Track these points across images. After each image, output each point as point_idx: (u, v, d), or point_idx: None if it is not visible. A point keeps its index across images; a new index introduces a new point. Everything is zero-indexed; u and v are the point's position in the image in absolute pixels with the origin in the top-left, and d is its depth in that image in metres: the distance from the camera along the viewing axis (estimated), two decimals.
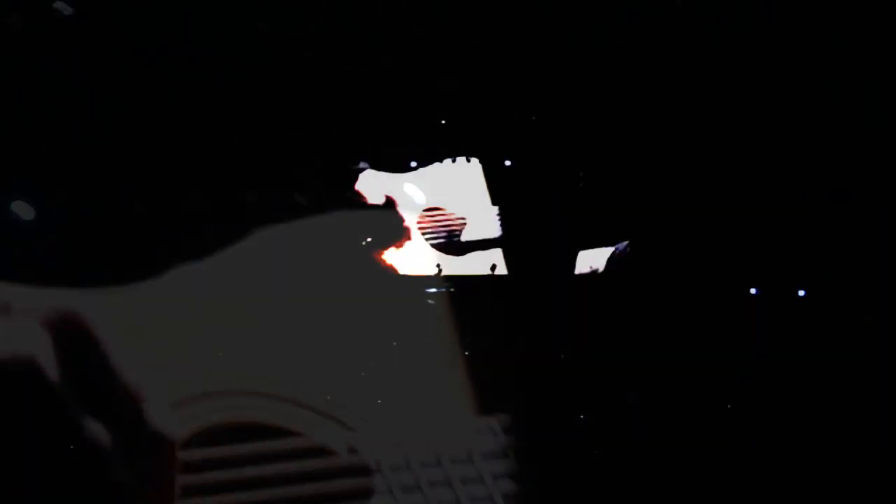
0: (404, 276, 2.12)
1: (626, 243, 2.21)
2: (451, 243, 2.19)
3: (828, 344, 2.08)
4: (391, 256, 2.15)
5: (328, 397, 1.57)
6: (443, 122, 2.21)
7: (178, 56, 2.37)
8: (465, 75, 2.23)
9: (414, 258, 2.16)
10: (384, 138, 2.22)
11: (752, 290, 2.11)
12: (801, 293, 2.11)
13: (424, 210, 2.21)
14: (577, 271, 2.18)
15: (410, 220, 2.20)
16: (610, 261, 2.19)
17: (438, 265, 2.13)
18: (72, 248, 2.20)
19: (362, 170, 2.16)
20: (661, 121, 2.26)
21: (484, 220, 2.20)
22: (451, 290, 2.08)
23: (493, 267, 2.16)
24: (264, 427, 1.46)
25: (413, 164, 2.23)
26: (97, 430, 1.15)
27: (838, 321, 2.12)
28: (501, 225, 2.18)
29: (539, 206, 2.19)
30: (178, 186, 2.29)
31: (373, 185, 2.18)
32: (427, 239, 2.19)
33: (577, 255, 2.18)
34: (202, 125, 2.30)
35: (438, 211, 2.21)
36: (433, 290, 2.08)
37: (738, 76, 2.27)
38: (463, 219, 2.21)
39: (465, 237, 2.20)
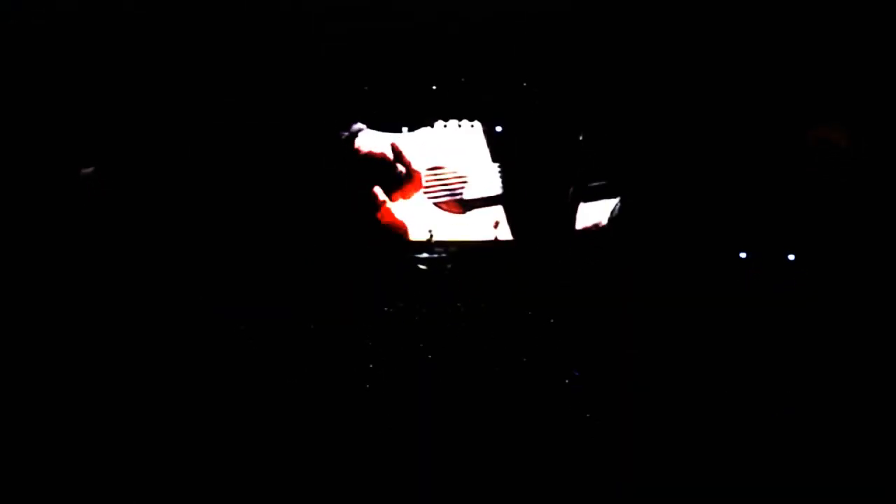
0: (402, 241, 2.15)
1: (617, 201, 2.18)
2: (454, 200, 2.20)
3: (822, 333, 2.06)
4: (393, 216, 2.17)
5: None
6: (434, 87, 2.22)
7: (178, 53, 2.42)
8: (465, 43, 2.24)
9: (413, 220, 2.18)
10: (386, 101, 2.24)
11: (742, 254, 2.09)
12: (791, 257, 2.08)
13: (427, 169, 2.22)
14: (578, 226, 2.17)
15: (413, 178, 2.21)
16: (614, 214, 2.18)
17: (430, 231, 2.14)
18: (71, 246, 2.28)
19: (357, 132, 2.18)
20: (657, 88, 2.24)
21: (485, 177, 2.20)
22: (443, 255, 2.10)
23: (497, 224, 2.15)
24: None
25: (411, 126, 2.24)
26: None
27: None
28: (502, 182, 2.17)
29: (539, 164, 2.18)
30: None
31: (377, 144, 2.20)
32: (430, 197, 2.19)
33: (577, 210, 2.17)
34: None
35: (440, 169, 2.21)
36: (425, 255, 2.10)
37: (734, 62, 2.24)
38: (464, 177, 2.20)
39: (466, 194, 2.19)
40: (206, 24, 2.33)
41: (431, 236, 2.11)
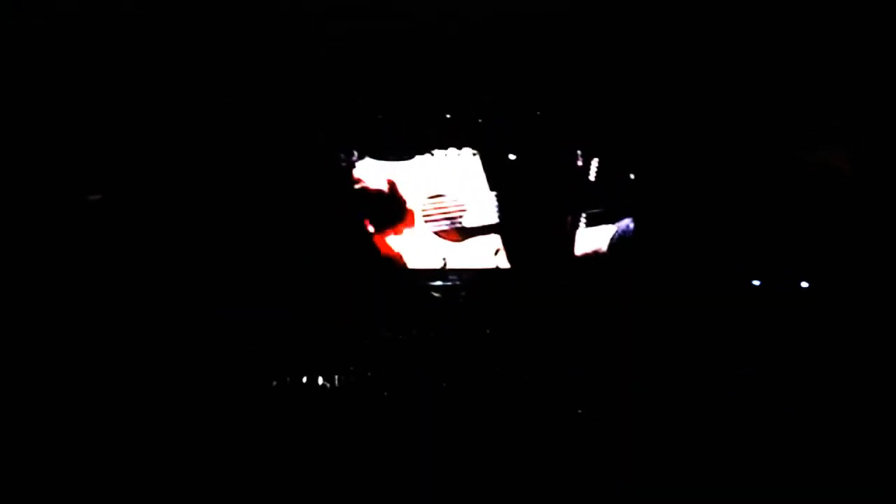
0: (410, 269, 2.21)
1: (629, 221, 2.24)
2: (453, 228, 2.25)
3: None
4: (396, 245, 2.23)
5: None
6: (447, 115, 2.24)
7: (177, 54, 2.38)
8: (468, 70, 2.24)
9: (419, 249, 2.23)
10: (387, 129, 2.26)
11: (756, 282, 2.14)
12: (805, 284, 2.13)
13: (428, 197, 2.26)
14: (578, 251, 2.23)
15: (414, 206, 2.26)
16: (614, 241, 2.24)
17: (444, 258, 2.20)
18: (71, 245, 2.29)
19: (353, 161, 2.21)
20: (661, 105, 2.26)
21: (483, 205, 2.25)
22: (458, 282, 2.16)
23: (497, 251, 2.22)
24: None
25: (415, 154, 2.27)
26: None
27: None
28: (500, 210, 2.22)
29: (538, 192, 2.23)
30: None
31: (376, 173, 2.23)
32: (429, 225, 2.25)
33: (575, 235, 2.23)
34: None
35: (441, 197, 2.26)
36: (439, 283, 2.17)
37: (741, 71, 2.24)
38: (463, 205, 2.26)
39: (466, 222, 2.25)
40: (205, 24, 2.31)
41: (445, 264, 2.17)
